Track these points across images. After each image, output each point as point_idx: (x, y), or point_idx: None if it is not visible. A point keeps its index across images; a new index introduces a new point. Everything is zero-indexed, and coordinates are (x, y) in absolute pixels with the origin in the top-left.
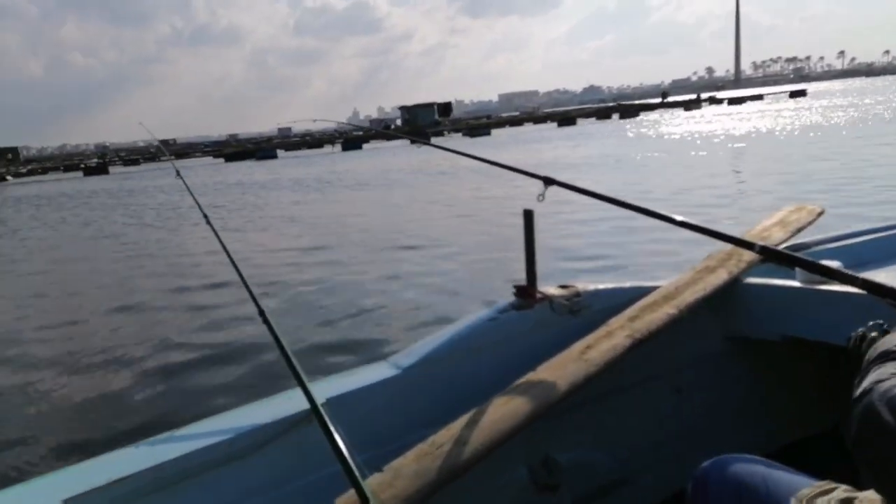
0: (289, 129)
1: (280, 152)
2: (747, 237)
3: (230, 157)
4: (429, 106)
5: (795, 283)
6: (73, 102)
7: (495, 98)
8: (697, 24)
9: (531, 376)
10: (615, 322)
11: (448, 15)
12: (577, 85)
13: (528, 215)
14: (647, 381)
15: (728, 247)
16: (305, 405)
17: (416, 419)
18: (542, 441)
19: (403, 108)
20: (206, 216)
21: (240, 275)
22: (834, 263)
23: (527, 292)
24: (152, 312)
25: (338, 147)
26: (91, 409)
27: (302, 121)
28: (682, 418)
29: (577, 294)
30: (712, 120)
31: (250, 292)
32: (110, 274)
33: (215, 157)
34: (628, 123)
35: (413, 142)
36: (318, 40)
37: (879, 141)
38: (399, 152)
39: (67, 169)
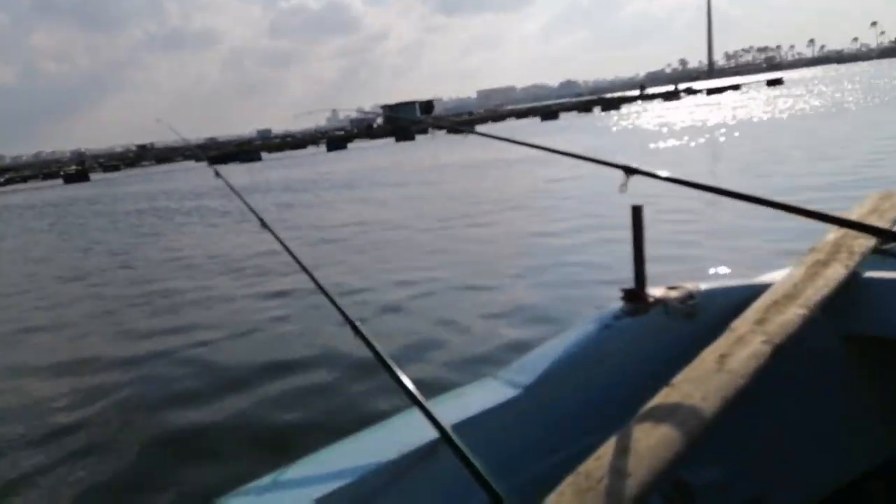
0: (268, 130)
1: (263, 154)
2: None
3: (213, 160)
4: (410, 104)
5: None
6: (47, 109)
7: (474, 95)
8: (669, 16)
9: (670, 392)
10: (740, 325)
11: (423, 13)
12: (553, 80)
13: (637, 212)
14: (771, 388)
15: (831, 236)
16: (428, 432)
17: (544, 443)
18: None
19: (385, 107)
20: (261, 220)
21: (316, 282)
22: None
23: (637, 296)
24: (230, 323)
25: (322, 147)
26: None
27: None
28: (811, 427)
29: (691, 296)
30: (694, 110)
31: (335, 304)
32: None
33: (197, 160)
34: (612, 116)
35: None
36: (295, 41)
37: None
38: (384, 151)
39: (47, 177)
